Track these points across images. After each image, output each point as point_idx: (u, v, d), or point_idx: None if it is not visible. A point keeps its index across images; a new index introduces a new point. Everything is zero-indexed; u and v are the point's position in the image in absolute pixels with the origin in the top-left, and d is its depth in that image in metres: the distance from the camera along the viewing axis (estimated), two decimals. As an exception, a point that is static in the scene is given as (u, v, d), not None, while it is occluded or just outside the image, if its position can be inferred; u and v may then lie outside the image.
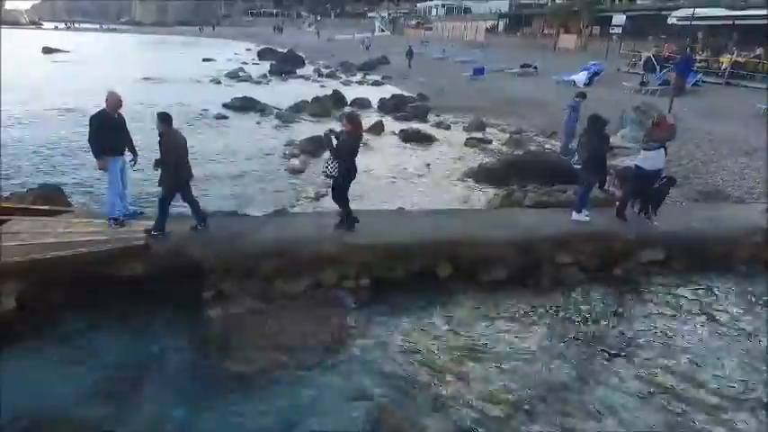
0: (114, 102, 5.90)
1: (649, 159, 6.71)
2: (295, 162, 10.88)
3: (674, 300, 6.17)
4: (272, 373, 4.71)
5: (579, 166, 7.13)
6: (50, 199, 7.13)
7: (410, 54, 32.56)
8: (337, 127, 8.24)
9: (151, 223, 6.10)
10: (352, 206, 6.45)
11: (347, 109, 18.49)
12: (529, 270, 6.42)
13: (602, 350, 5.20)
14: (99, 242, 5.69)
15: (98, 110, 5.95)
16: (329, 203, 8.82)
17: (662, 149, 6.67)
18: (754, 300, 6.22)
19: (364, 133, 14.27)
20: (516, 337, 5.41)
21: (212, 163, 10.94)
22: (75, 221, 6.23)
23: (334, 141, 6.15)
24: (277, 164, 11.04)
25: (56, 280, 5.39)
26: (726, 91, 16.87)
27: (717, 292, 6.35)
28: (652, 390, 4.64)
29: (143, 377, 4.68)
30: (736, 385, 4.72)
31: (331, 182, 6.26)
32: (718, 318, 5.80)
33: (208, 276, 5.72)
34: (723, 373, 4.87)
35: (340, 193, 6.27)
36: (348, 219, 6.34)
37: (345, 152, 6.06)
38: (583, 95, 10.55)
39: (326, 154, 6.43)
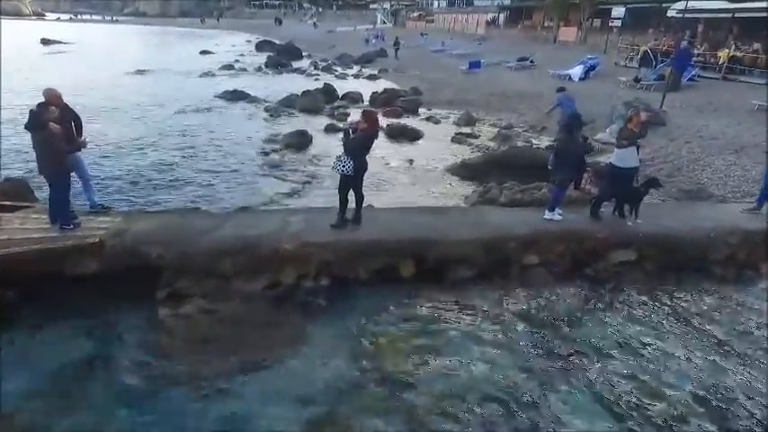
0: (52, 98, 5.66)
1: (622, 157, 6.52)
2: (275, 157, 10.75)
3: (643, 303, 6.00)
4: (217, 375, 4.60)
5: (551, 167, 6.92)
6: (14, 193, 7.03)
7: (397, 45, 33.34)
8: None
9: (109, 220, 5.98)
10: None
11: (338, 103, 18.35)
12: (496, 270, 6.27)
13: (563, 354, 5.05)
14: (52, 239, 5.59)
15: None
16: (303, 199, 8.76)
17: (633, 147, 6.46)
18: (726, 304, 6.05)
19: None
20: (477, 339, 5.27)
21: (192, 157, 10.82)
22: (33, 217, 6.13)
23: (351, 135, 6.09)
24: (257, 158, 10.89)
25: (6, 278, 5.29)
26: (722, 86, 16.54)
27: (688, 296, 6.17)
28: (611, 397, 4.49)
29: (89, 376, 4.60)
30: (700, 393, 4.56)
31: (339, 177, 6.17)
32: (686, 323, 5.63)
33: (163, 275, 5.61)
34: (687, 381, 4.70)
35: (343, 187, 6.20)
36: (339, 218, 6.27)
37: (354, 149, 6.00)
38: (562, 89, 10.46)
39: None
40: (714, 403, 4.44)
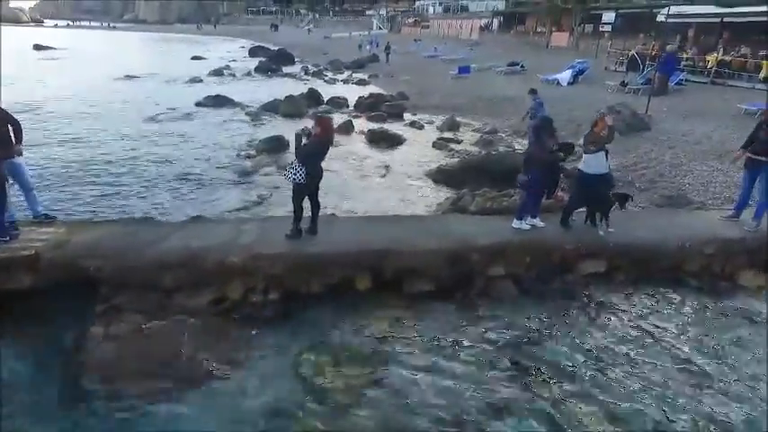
0: None
1: (590, 163, 6.22)
2: (247, 163, 10.46)
3: (612, 317, 5.69)
4: (144, 397, 4.29)
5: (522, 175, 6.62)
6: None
7: (388, 49, 33.81)
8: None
9: (52, 231, 5.68)
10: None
11: (323, 107, 18.11)
12: (458, 282, 5.95)
13: (525, 375, 4.72)
14: (-17, 252, 5.29)
15: None
16: (268, 208, 8.45)
17: (601, 152, 6.16)
18: (700, 318, 5.74)
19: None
20: (433, 358, 4.96)
21: (160, 163, 10.52)
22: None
23: (304, 140, 5.77)
24: (228, 165, 10.60)
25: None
26: (710, 90, 16.29)
27: (660, 310, 5.86)
28: (571, 423, 4.18)
29: (9, 397, 4.30)
30: (671, 419, 4.23)
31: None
32: (657, 339, 5.30)
33: (102, 289, 5.30)
34: (656, 405, 4.37)
35: (297, 197, 5.87)
36: (294, 228, 5.95)
37: (305, 156, 5.69)
38: (533, 91, 10.26)
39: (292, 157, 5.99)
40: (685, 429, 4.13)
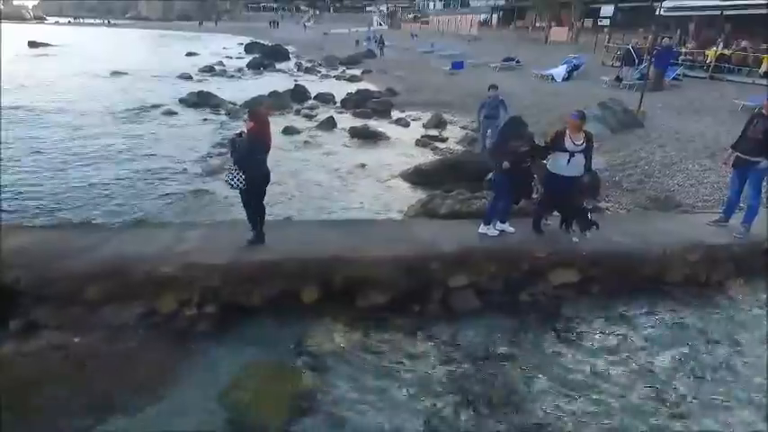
0: None
1: (558, 163, 5.69)
2: (215, 162, 10.00)
3: (584, 332, 5.19)
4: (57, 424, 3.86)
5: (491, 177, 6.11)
6: None
7: (381, 43, 33.85)
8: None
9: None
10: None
11: (309, 103, 17.66)
12: (416, 294, 5.47)
13: (478, 403, 4.24)
14: None
15: None
16: (229, 209, 7.98)
17: (566, 153, 5.63)
18: (683, 332, 5.23)
19: (315, 129, 13.61)
20: (380, 379, 4.48)
21: (119, 162, 10.06)
22: None
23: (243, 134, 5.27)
24: (195, 163, 10.14)
25: None
26: (708, 85, 15.67)
27: (639, 323, 5.35)
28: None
29: None
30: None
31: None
32: (634, 357, 4.80)
33: (20, 302, 4.86)
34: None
35: (246, 201, 5.42)
36: (255, 233, 5.49)
37: (240, 157, 5.18)
38: (494, 87, 9.78)
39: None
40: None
